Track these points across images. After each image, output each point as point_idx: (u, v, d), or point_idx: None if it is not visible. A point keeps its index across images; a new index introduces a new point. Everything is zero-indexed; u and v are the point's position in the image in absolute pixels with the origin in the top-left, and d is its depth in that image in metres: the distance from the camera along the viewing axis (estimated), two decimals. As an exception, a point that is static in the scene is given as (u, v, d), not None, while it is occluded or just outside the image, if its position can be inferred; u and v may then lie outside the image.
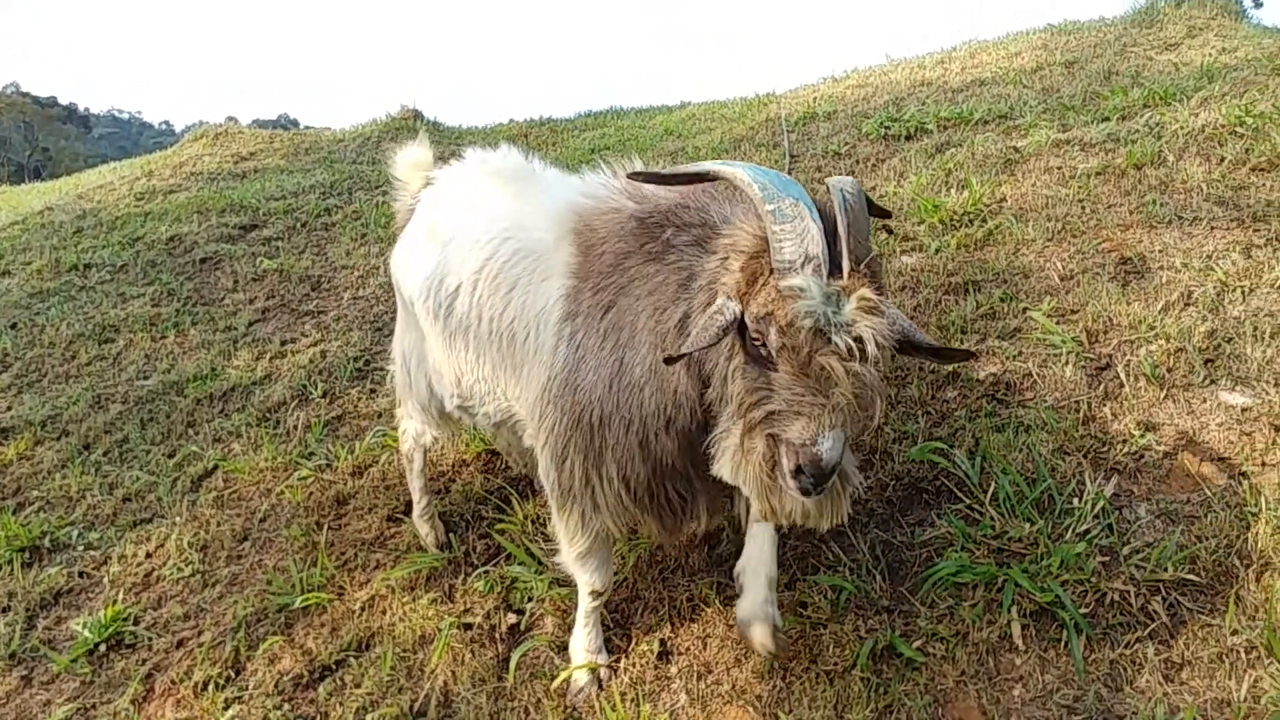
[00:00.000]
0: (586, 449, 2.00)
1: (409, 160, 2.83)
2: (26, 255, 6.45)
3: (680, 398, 1.86)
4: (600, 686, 2.32)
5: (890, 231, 3.74)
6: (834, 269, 1.54)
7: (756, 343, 1.59)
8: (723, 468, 1.72)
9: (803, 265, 1.51)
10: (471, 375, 2.37)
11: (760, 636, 2.13)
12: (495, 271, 2.21)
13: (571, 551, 2.24)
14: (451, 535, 2.90)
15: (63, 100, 54.78)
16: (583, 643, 2.37)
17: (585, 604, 2.35)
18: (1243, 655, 1.93)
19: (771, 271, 1.57)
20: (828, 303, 1.49)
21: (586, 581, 2.29)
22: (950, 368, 3.02)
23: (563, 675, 2.33)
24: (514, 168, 2.48)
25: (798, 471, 1.54)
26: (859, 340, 1.49)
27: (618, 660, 2.34)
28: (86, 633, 2.83)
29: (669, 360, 1.69)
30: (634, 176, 2.10)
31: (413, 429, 2.91)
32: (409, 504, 3.08)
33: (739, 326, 1.62)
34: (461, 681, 2.39)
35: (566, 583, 2.55)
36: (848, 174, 4.63)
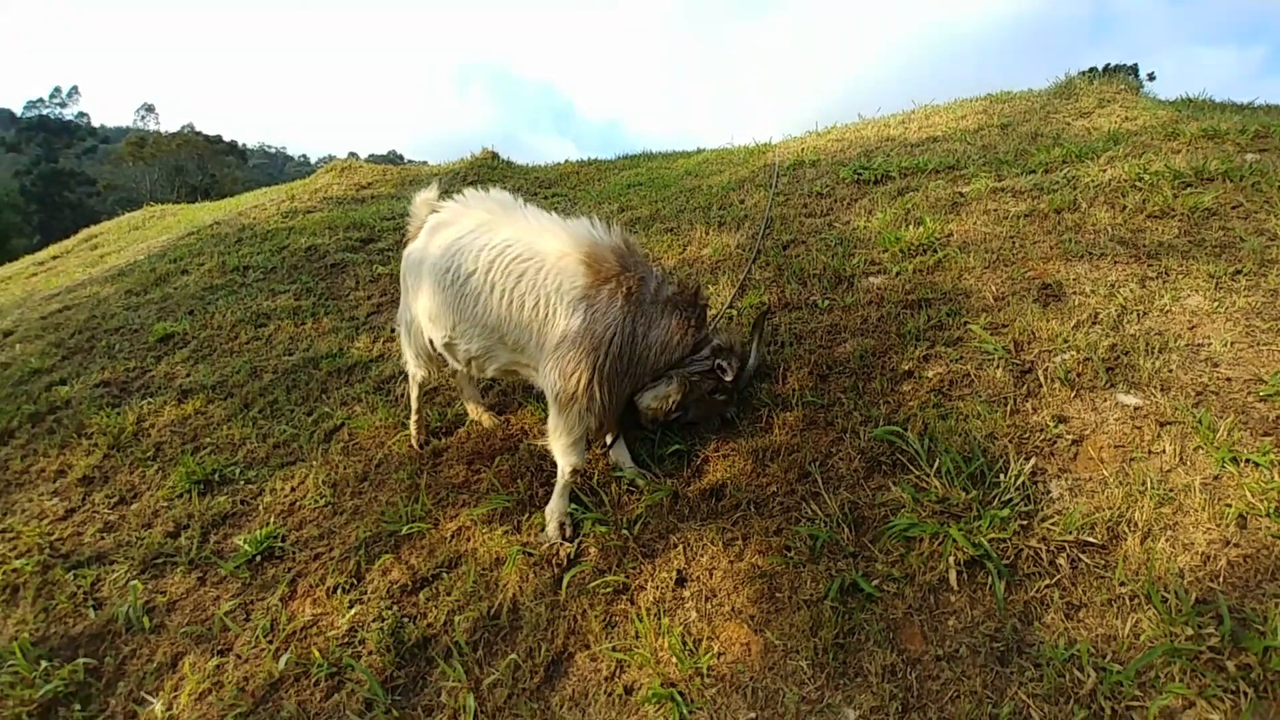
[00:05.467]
0: (594, 369, 2.38)
1: (421, 198, 3.25)
2: (200, 259, 6.54)
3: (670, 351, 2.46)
4: (565, 537, 2.56)
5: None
6: None
7: None
8: None
9: None
10: (466, 322, 2.68)
11: (630, 473, 2.72)
12: (505, 263, 2.55)
13: (563, 441, 2.54)
14: (519, 482, 2.91)
15: (226, 137, 55.16)
16: (557, 507, 2.61)
17: (564, 479, 2.60)
18: (1127, 602, 1.90)
19: None
20: None
21: (570, 462, 2.57)
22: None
23: (545, 527, 2.61)
24: (505, 199, 2.83)
25: None
26: None
27: (644, 583, 2.36)
28: (246, 546, 2.91)
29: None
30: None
31: (411, 369, 3.24)
32: (480, 453, 3.24)
33: None
34: (526, 594, 2.42)
35: (606, 521, 2.57)
36: (827, 211, 4.59)
